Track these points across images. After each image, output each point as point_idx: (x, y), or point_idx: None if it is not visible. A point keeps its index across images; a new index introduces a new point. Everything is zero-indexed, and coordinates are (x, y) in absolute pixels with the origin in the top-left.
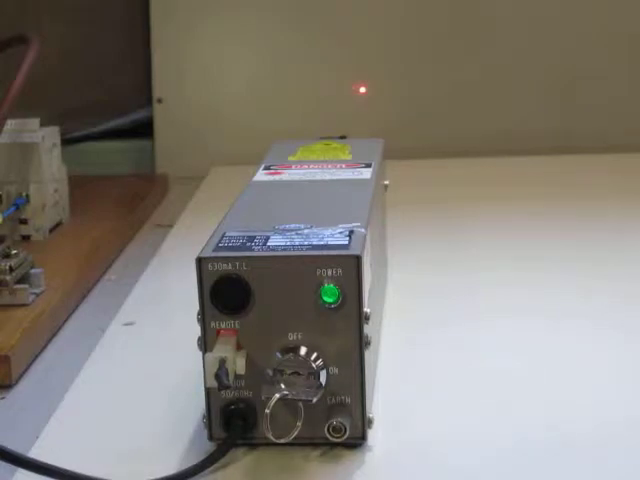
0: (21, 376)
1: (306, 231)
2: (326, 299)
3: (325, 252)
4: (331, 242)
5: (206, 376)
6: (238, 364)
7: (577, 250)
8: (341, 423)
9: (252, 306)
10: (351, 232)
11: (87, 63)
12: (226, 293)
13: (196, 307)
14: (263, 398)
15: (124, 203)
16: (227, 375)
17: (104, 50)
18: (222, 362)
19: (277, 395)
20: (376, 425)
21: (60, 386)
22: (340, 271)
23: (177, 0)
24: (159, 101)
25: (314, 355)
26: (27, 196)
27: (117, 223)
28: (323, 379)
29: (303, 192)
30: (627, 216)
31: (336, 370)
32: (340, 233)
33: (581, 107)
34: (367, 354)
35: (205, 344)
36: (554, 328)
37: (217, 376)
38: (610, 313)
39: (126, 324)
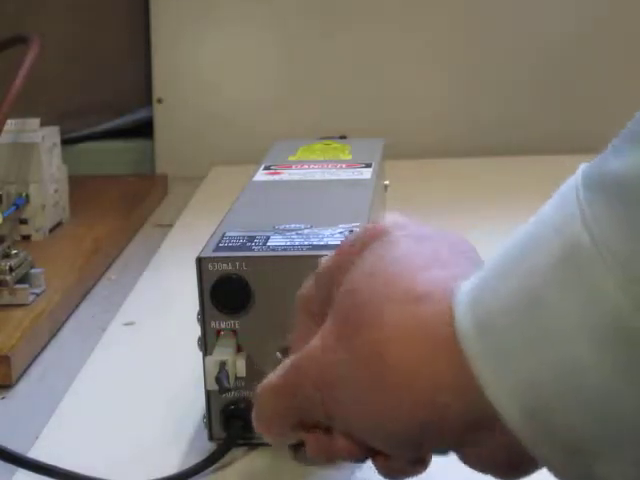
0: (21, 376)
1: (306, 231)
2: None
3: (325, 252)
4: (331, 242)
5: (206, 379)
6: (238, 366)
7: None
8: None
9: (252, 306)
10: (351, 232)
11: (87, 63)
12: (226, 293)
13: (196, 307)
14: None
15: (124, 203)
16: (227, 378)
17: (104, 50)
18: (222, 365)
19: None
20: None
21: (60, 386)
22: None
23: (177, 0)
24: (159, 101)
25: None
26: (27, 196)
27: (117, 223)
28: None
29: (303, 192)
30: None
31: None
32: (340, 233)
33: (581, 107)
34: None
35: (205, 344)
36: None
37: (218, 379)
38: None
39: (126, 324)
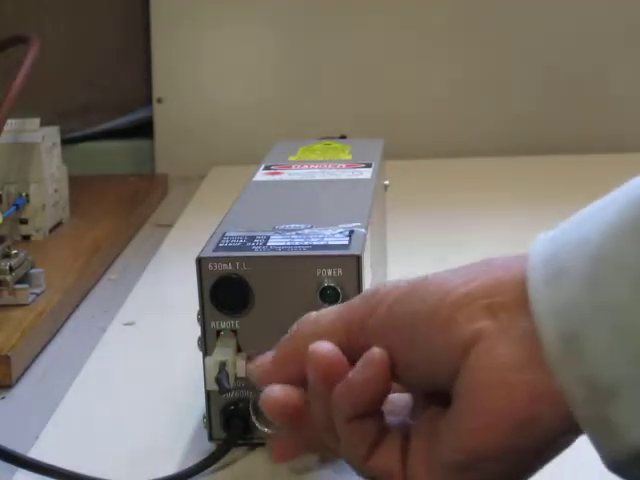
0: (21, 376)
1: (306, 231)
2: (326, 299)
3: (325, 252)
4: (331, 242)
5: (206, 379)
6: (238, 366)
7: None
8: None
9: (252, 306)
10: (351, 232)
11: (87, 63)
12: (226, 293)
13: (196, 307)
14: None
15: (124, 203)
16: (227, 379)
17: (104, 50)
18: (222, 366)
19: None
20: None
21: (60, 386)
22: (340, 271)
23: (177, 0)
24: (159, 101)
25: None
26: (27, 196)
27: (117, 223)
28: None
29: (303, 192)
30: None
31: None
32: (340, 233)
33: (581, 107)
34: None
35: (205, 344)
36: None
37: (218, 380)
38: None
39: (126, 324)
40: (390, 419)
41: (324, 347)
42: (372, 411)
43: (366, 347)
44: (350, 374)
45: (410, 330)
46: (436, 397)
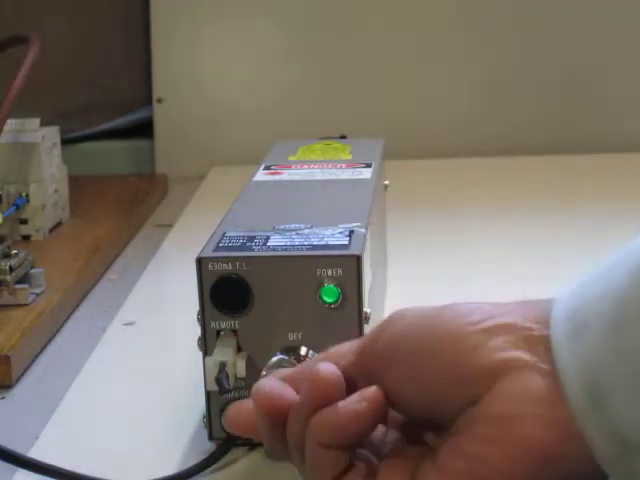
0: (21, 376)
1: (306, 231)
2: (326, 299)
3: (325, 252)
4: (331, 242)
5: (206, 379)
6: (238, 367)
7: (577, 250)
8: None
9: (252, 306)
10: (351, 232)
11: (87, 63)
12: (226, 293)
13: (196, 307)
14: None
15: (124, 203)
16: (227, 379)
17: (104, 50)
18: (222, 366)
19: None
20: None
21: (60, 386)
22: (340, 271)
23: (177, 0)
24: (159, 101)
25: (314, 355)
26: (27, 196)
27: (117, 223)
28: None
29: (303, 192)
30: (626, 215)
31: None
32: (340, 233)
33: (581, 107)
34: None
35: (205, 344)
36: None
37: (218, 380)
38: None
39: (126, 324)
40: (359, 450)
41: (328, 368)
42: (347, 446)
43: (372, 370)
44: (340, 403)
45: (419, 355)
46: (421, 432)
